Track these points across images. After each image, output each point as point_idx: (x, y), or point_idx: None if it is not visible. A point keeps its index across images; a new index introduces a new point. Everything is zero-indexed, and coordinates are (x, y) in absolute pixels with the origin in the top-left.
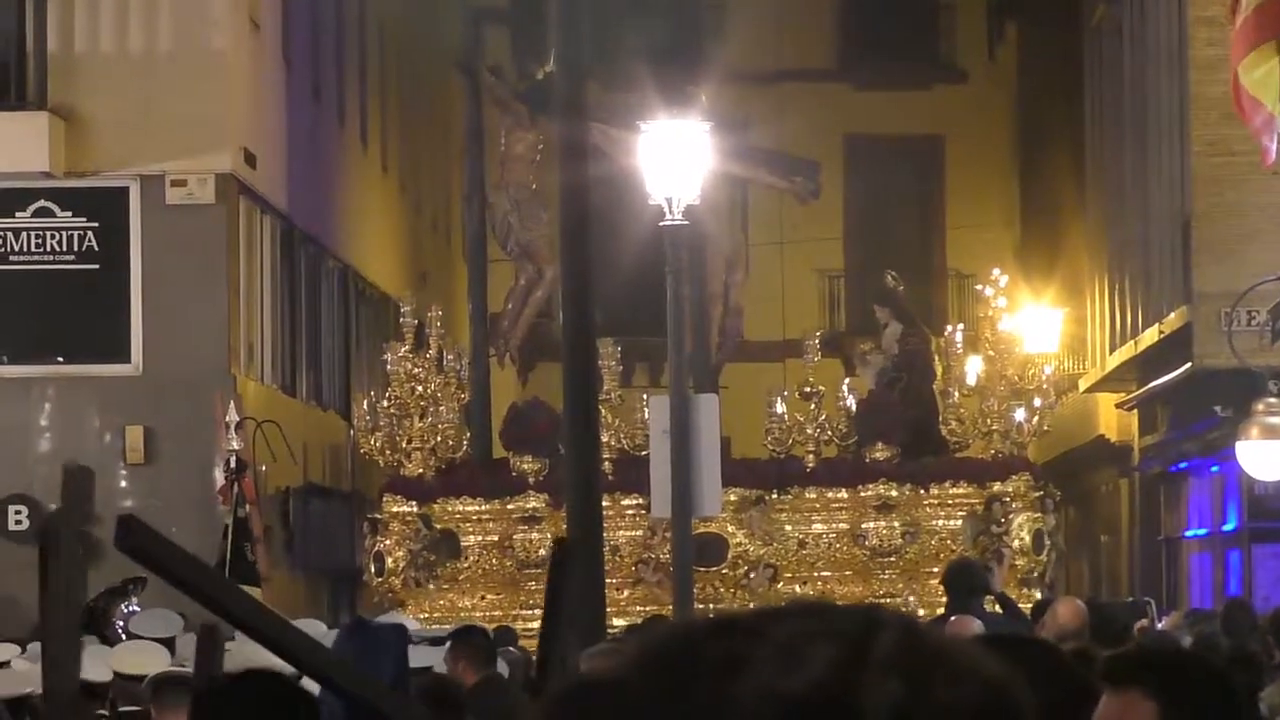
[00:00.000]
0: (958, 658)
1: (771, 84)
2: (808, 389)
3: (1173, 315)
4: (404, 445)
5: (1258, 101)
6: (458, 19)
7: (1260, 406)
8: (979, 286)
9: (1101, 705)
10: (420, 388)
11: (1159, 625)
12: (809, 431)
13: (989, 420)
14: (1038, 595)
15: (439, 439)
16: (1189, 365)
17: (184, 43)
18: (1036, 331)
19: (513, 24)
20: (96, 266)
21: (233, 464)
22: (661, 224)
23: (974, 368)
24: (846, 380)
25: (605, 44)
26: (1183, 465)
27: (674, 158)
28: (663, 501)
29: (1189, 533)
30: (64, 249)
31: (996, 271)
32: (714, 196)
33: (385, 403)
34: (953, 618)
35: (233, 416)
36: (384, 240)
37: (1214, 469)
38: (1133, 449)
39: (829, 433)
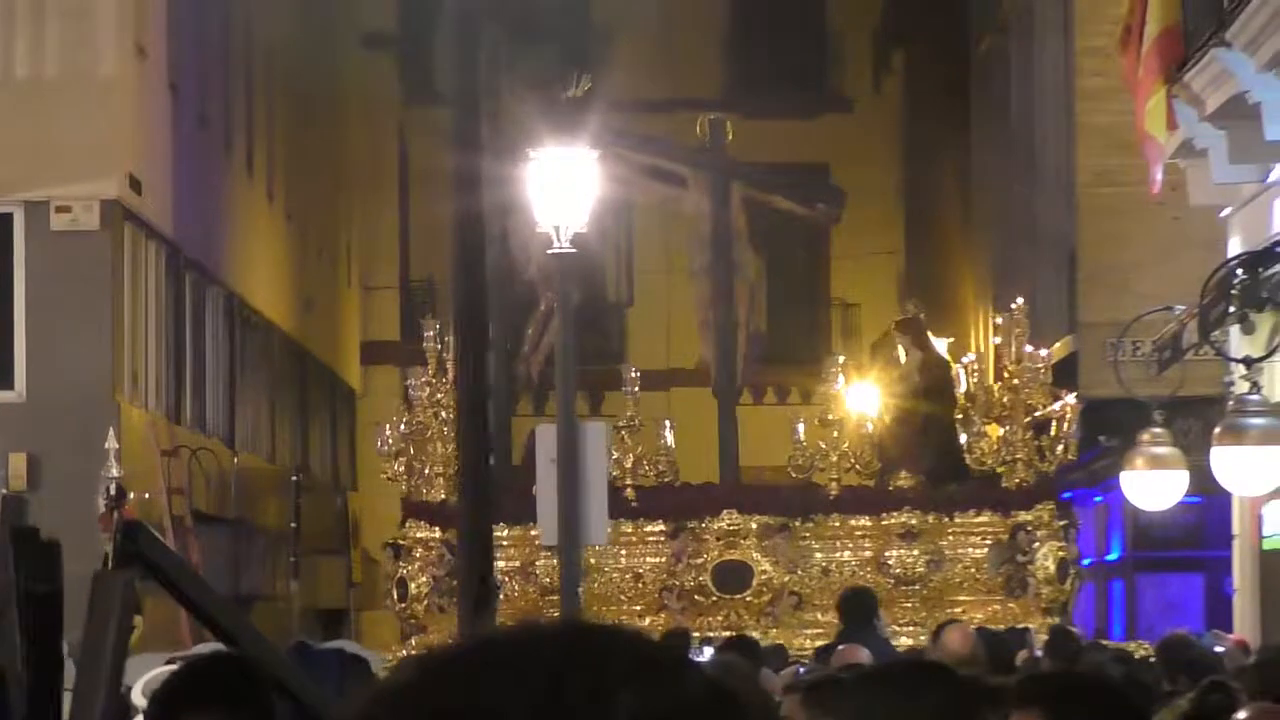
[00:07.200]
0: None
1: (659, 112)
2: (829, 416)
3: (1058, 345)
4: (425, 472)
5: (1150, 133)
6: (344, 47)
7: (1146, 436)
8: (997, 319)
9: None
10: (443, 414)
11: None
12: (832, 459)
13: (1013, 449)
14: (1072, 627)
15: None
16: (1074, 395)
17: (70, 69)
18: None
19: (400, 51)
20: None
21: (112, 491)
22: (549, 251)
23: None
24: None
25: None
26: (1067, 495)
27: (563, 185)
28: (550, 530)
29: None
30: None
31: (1020, 301)
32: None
33: (405, 428)
34: (840, 647)
35: (112, 444)
36: (269, 267)
37: (1098, 499)
38: None
39: (851, 460)
